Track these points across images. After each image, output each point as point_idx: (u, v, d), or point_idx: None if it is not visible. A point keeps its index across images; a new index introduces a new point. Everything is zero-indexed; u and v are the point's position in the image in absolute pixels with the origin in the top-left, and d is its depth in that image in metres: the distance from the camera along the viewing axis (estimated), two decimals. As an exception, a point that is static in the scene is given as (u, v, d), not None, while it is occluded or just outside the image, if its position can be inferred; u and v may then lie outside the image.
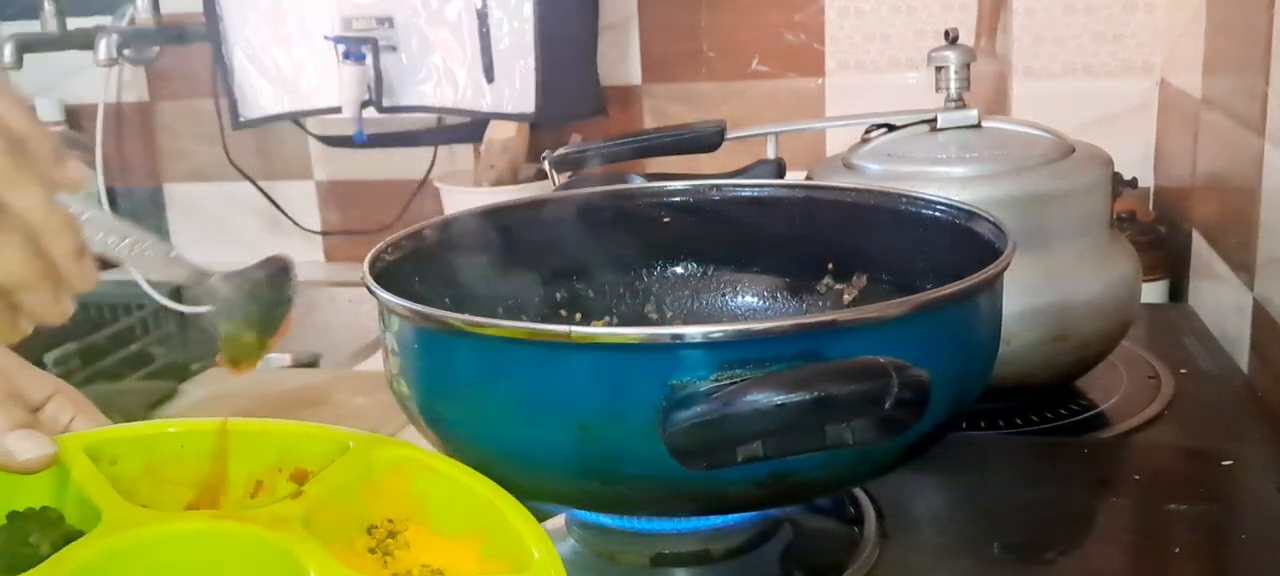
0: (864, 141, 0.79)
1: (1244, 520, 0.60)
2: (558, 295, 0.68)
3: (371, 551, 0.49)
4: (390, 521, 0.50)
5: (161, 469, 0.50)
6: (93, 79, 1.39)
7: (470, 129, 1.28)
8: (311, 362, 1.29)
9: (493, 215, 0.66)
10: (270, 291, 0.54)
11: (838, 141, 1.05)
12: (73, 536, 0.45)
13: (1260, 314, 0.78)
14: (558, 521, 0.58)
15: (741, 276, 0.70)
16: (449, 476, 0.50)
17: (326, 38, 1.22)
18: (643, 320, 0.69)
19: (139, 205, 1.47)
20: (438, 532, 0.50)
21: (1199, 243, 0.96)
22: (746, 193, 0.69)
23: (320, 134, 1.35)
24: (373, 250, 0.57)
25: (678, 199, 0.69)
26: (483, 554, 0.48)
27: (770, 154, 0.83)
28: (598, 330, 0.51)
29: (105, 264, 0.56)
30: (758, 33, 1.23)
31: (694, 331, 0.45)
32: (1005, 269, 0.51)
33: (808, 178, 0.77)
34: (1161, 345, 0.84)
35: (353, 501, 0.49)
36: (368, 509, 0.49)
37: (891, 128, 0.79)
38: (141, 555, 0.44)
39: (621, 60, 1.27)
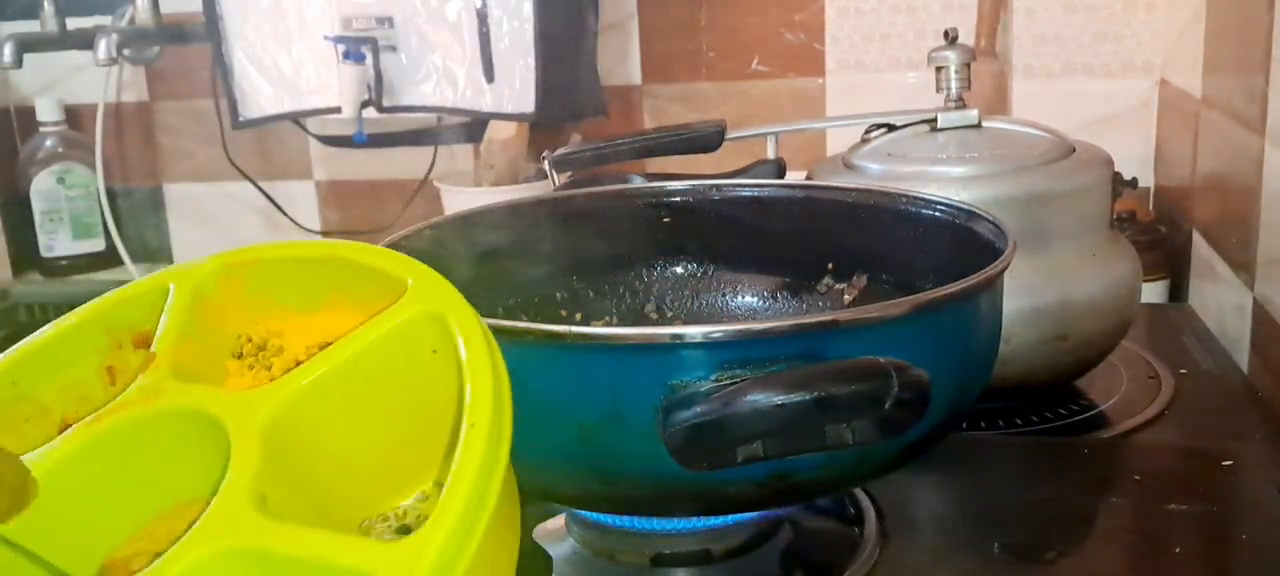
0: (864, 141, 0.79)
1: (1244, 520, 0.60)
2: (558, 295, 0.68)
3: (251, 370, 0.46)
4: (248, 337, 0.46)
5: (7, 410, 0.46)
6: (92, 79, 1.39)
7: (470, 129, 1.28)
8: (311, 362, 1.29)
9: (493, 215, 0.66)
10: None
11: (838, 141, 1.06)
12: None
13: (1260, 314, 0.78)
14: (558, 521, 0.58)
15: (741, 276, 0.70)
16: (279, 258, 0.47)
17: (326, 38, 1.22)
18: (643, 320, 0.69)
19: (139, 205, 1.47)
20: (300, 312, 0.47)
21: (1199, 242, 0.96)
22: (746, 193, 0.69)
23: (320, 134, 1.35)
24: (373, 250, 0.57)
25: (678, 199, 0.69)
26: (355, 306, 0.45)
27: (770, 154, 0.83)
28: (597, 330, 0.52)
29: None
30: (758, 33, 1.23)
31: (694, 331, 0.45)
32: (1005, 269, 0.51)
33: (808, 178, 0.77)
34: (1161, 345, 0.84)
35: (206, 336, 0.46)
36: (222, 336, 0.46)
37: (891, 128, 0.79)
38: (54, 475, 0.42)
39: (621, 60, 1.27)
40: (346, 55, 1.21)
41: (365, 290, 0.46)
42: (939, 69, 0.79)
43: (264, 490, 0.39)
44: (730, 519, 0.54)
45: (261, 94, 1.29)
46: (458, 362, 0.41)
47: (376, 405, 0.44)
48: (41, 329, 0.48)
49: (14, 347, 0.47)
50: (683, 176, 0.75)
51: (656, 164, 0.99)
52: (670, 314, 0.69)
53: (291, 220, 1.40)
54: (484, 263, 0.64)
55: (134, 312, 0.48)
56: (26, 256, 1.44)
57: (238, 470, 0.39)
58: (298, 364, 0.44)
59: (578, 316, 0.68)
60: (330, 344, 0.44)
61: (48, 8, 1.36)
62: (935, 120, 0.78)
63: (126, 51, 1.37)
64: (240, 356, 0.47)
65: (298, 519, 0.38)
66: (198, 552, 0.37)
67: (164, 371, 0.44)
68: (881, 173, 0.74)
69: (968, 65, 0.79)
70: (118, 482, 0.43)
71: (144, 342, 0.47)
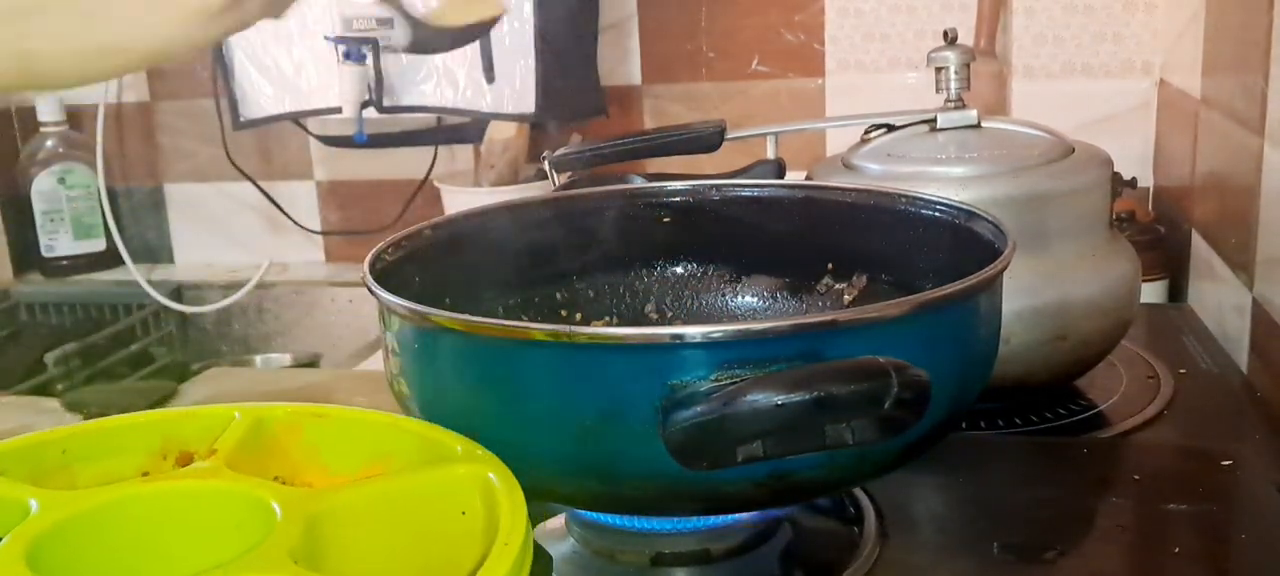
0: (864, 141, 0.79)
1: (1244, 520, 0.60)
2: (558, 295, 0.68)
3: None
4: (281, 478, 0.49)
5: (49, 476, 0.49)
6: (93, 79, 1.39)
7: (470, 129, 1.28)
8: (311, 363, 1.29)
9: (493, 215, 0.66)
10: None
11: (838, 141, 1.06)
12: None
13: (1260, 314, 0.78)
14: (558, 521, 0.58)
15: (741, 276, 0.70)
16: (340, 417, 0.51)
17: (326, 38, 1.22)
18: (643, 320, 0.69)
19: (139, 205, 1.47)
20: (337, 474, 0.51)
21: (1198, 242, 0.96)
22: (746, 193, 0.69)
23: (320, 134, 1.35)
24: (373, 250, 0.57)
25: (678, 199, 0.69)
26: (393, 472, 0.49)
27: (770, 154, 0.83)
28: (597, 330, 0.52)
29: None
30: (758, 33, 1.23)
31: (694, 331, 0.45)
32: (1005, 269, 0.51)
33: (808, 178, 0.77)
34: (1161, 345, 0.84)
35: (256, 464, 0.49)
36: (263, 471, 0.49)
37: (891, 128, 0.79)
38: (103, 518, 0.45)
39: (621, 60, 1.27)
40: (347, 55, 1.21)
41: (408, 455, 0.49)
42: (939, 69, 0.79)
43: (300, 558, 0.41)
44: (730, 518, 0.54)
45: (262, 94, 1.29)
46: (485, 527, 0.44)
47: (404, 542, 0.46)
48: (105, 419, 0.52)
49: (74, 425, 0.52)
50: (683, 176, 0.75)
51: (656, 164, 0.99)
52: (670, 314, 0.70)
53: (292, 220, 1.41)
54: (484, 263, 0.64)
55: (190, 429, 0.51)
56: (27, 256, 1.44)
57: (281, 535, 0.42)
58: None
59: (578, 316, 0.68)
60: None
61: (48, 8, 1.36)
62: (935, 120, 0.78)
63: (127, 52, 1.37)
64: None
65: None
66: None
67: (223, 463, 0.47)
68: (881, 173, 0.74)
69: (967, 65, 0.79)
70: (164, 537, 0.46)
71: (186, 461, 0.50)
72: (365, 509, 0.45)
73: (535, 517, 0.59)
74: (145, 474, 0.50)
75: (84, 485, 0.49)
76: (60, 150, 1.42)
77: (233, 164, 1.37)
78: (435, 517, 0.46)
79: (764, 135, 0.84)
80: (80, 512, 0.44)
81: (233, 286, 1.35)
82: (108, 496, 0.45)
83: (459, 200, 1.23)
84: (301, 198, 1.42)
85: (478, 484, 0.46)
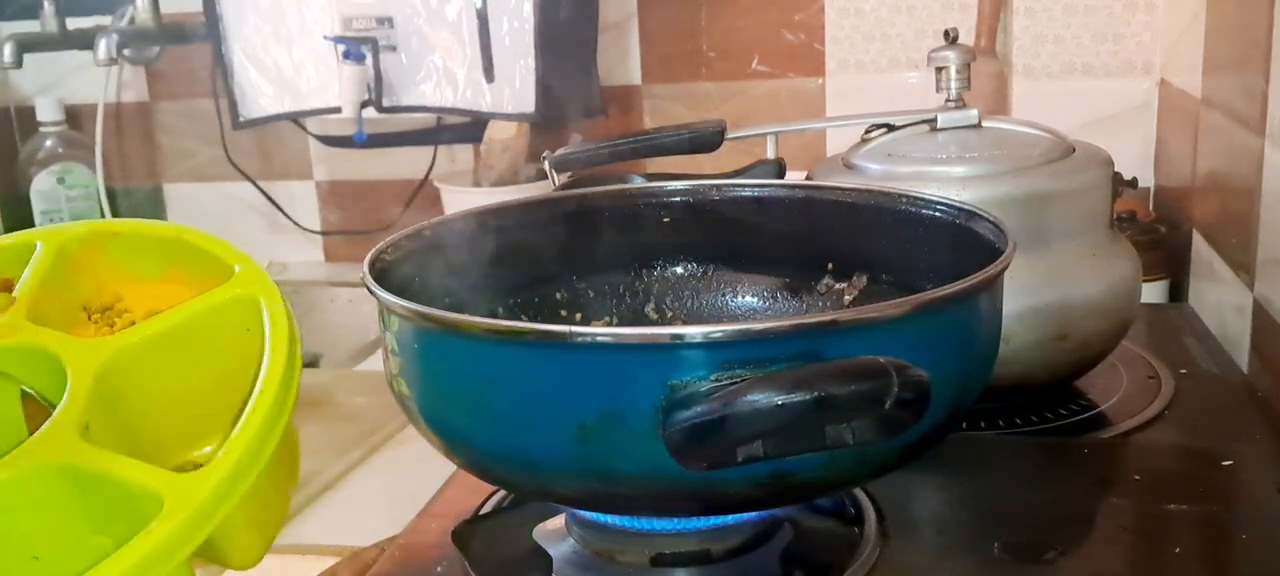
0: (864, 141, 0.79)
1: (1244, 520, 0.60)
2: (558, 295, 0.68)
3: (96, 326, 0.54)
4: (98, 297, 0.55)
5: None
6: (92, 79, 1.39)
7: (470, 129, 1.28)
8: (312, 363, 1.29)
9: (493, 215, 0.66)
10: None
11: (838, 141, 1.06)
12: None
13: (1260, 314, 0.78)
14: (558, 521, 0.58)
15: (742, 276, 0.70)
16: (134, 233, 0.56)
17: (326, 38, 1.22)
18: (643, 320, 0.69)
19: (139, 205, 1.47)
20: (143, 281, 0.56)
21: (1199, 242, 0.96)
22: (747, 192, 0.69)
23: (320, 134, 1.35)
24: (373, 250, 0.57)
25: (678, 199, 0.69)
26: (190, 282, 0.54)
27: (770, 154, 0.83)
28: (598, 330, 0.51)
29: None
30: (758, 33, 1.23)
31: (694, 331, 0.45)
32: (1006, 269, 0.51)
33: (808, 178, 0.77)
34: (1161, 345, 0.84)
35: (62, 290, 0.54)
36: (76, 292, 0.54)
37: (891, 128, 0.79)
38: None
39: (621, 60, 1.27)
40: (346, 55, 1.21)
41: (201, 270, 0.55)
42: (939, 69, 0.79)
43: (90, 421, 0.46)
44: (730, 519, 0.54)
45: (261, 94, 1.29)
46: (262, 341, 0.51)
47: (195, 367, 0.52)
48: None
49: None
50: (683, 176, 0.75)
51: (656, 164, 0.99)
52: (670, 314, 0.69)
53: (291, 220, 1.41)
54: (484, 262, 0.64)
55: (2, 261, 0.56)
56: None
57: (71, 402, 0.47)
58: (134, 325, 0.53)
59: (578, 316, 0.68)
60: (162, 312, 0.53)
61: (48, 8, 1.36)
62: (935, 120, 0.77)
63: (126, 51, 1.37)
64: (89, 315, 0.56)
65: (114, 450, 0.46)
66: (21, 466, 0.44)
67: (21, 314, 0.51)
68: (881, 173, 0.74)
69: (968, 65, 0.79)
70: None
71: (6, 287, 0.54)
72: (154, 347, 0.51)
73: (535, 518, 0.59)
74: None
75: None
76: (59, 150, 1.42)
77: (232, 164, 1.37)
78: (221, 340, 0.52)
79: (764, 135, 0.84)
80: None
81: (232, 286, 1.35)
82: None
83: (459, 200, 1.23)
84: (301, 197, 1.42)
85: (253, 303, 0.53)
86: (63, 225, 0.56)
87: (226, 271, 0.53)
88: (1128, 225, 0.99)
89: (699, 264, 0.70)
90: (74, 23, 1.37)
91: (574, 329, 0.45)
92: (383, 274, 0.55)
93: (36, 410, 0.51)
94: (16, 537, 0.44)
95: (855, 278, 0.66)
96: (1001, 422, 0.72)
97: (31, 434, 0.46)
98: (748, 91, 1.25)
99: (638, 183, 0.75)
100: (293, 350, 0.51)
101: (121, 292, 0.57)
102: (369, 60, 1.21)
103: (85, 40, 1.31)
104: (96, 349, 0.50)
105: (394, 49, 1.22)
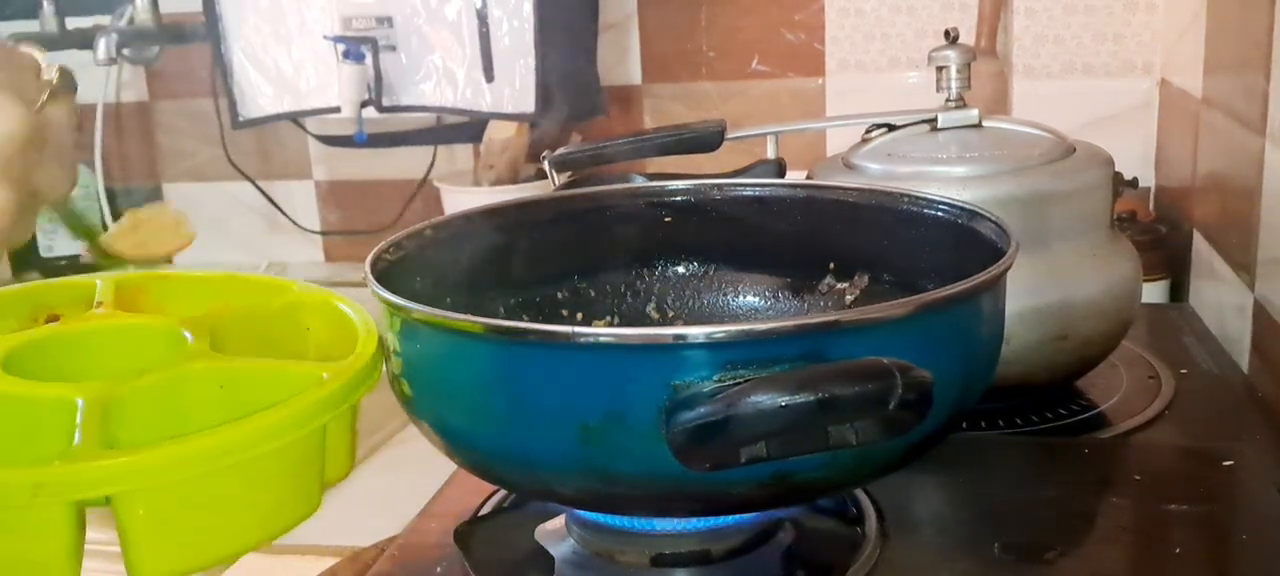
0: (864, 141, 0.79)
1: (1244, 520, 0.60)
2: (559, 295, 0.68)
3: None
4: None
5: None
6: (92, 78, 1.39)
7: (470, 129, 1.28)
8: (311, 362, 1.29)
9: (493, 215, 0.66)
10: None
11: (838, 141, 1.05)
12: None
13: (1261, 314, 0.78)
14: (558, 521, 0.58)
15: (743, 276, 0.69)
16: (182, 278, 0.64)
17: (326, 38, 1.22)
18: (644, 320, 0.69)
19: (139, 205, 1.47)
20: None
21: (1199, 242, 0.96)
22: (748, 192, 0.69)
23: (320, 134, 1.35)
24: (374, 250, 0.57)
25: (679, 198, 0.69)
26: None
27: (770, 154, 0.83)
28: (600, 330, 0.51)
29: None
30: (758, 33, 1.23)
31: (697, 332, 0.45)
32: (1009, 268, 0.51)
33: (808, 178, 0.77)
34: (1162, 345, 0.84)
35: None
36: None
37: (891, 128, 0.79)
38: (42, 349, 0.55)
39: (621, 60, 1.27)
40: (346, 55, 1.21)
41: (250, 299, 0.61)
42: (939, 69, 0.79)
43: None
44: (731, 519, 0.54)
45: (261, 94, 1.29)
46: (331, 335, 0.58)
47: (267, 351, 0.57)
48: None
49: None
50: (683, 176, 0.75)
51: (656, 164, 0.99)
52: (672, 314, 0.69)
53: (291, 220, 1.41)
54: (484, 262, 0.64)
55: (58, 296, 0.61)
56: (26, 256, 1.44)
57: (197, 339, 0.53)
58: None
59: (579, 316, 0.68)
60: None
61: (47, 8, 1.36)
62: (935, 120, 0.77)
63: (126, 51, 1.37)
64: None
65: None
66: (177, 369, 0.51)
67: (114, 309, 0.58)
68: (881, 173, 0.74)
69: (968, 65, 0.79)
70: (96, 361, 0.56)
71: (53, 320, 0.59)
72: (237, 324, 0.56)
73: (536, 518, 0.59)
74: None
75: None
76: (59, 150, 1.41)
77: (232, 164, 1.37)
78: (285, 333, 0.58)
79: (764, 135, 0.84)
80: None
81: (232, 286, 1.35)
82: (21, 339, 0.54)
83: (459, 200, 1.23)
84: (301, 197, 1.42)
85: (315, 305, 0.59)
86: (115, 272, 0.62)
87: (285, 290, 0.60)
88: (1128, 225, 1.00)
89: (700, 263, 0.70)
90: (73, 22, 1.37)
91: (576, 329, 0.45)
92: (384, 274, 0.55)
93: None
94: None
95: (857, 277, 0.66)
96: (1002, 422, 0.72)
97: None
98: (748, 91, 1.25)
99: (638, 182, 0.75)
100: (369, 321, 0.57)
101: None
102: (369, 60, 1.21)
103: (85, 40, 1.31)
104: (201, 320, 0.55)
105: (394, 49, 1.22)
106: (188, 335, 0.54)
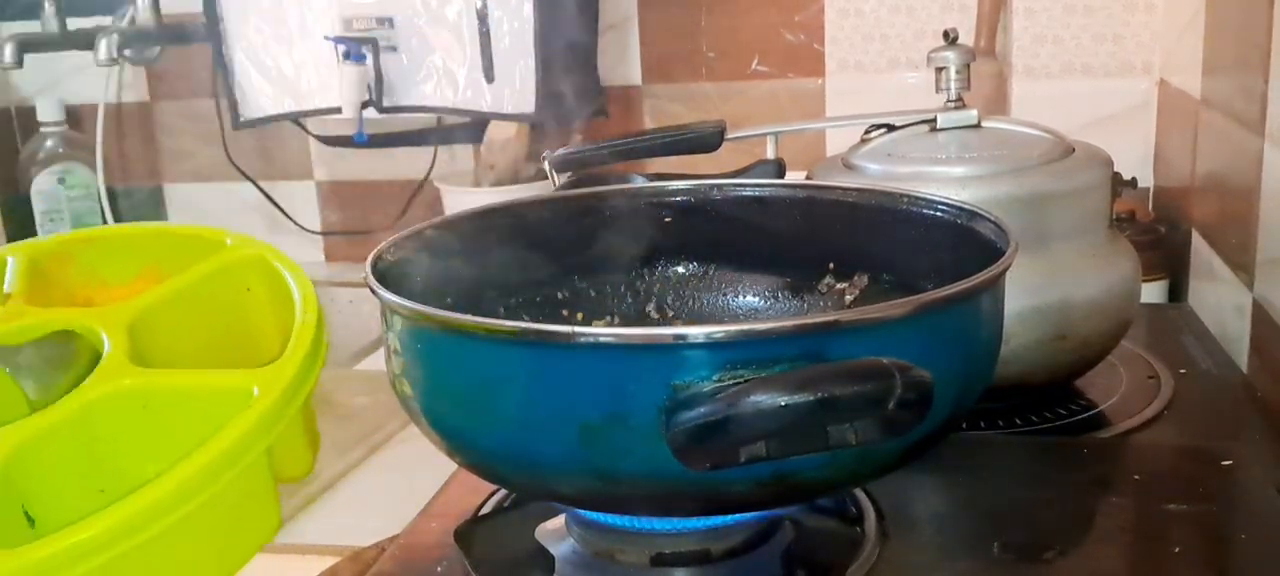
0: (864, 141, 0.79)
1: (1244, 520, 0.60)
2: (559, 295, 0.68)
3: None
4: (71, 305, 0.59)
5: None
6: (93, 79, 1.39)
7: (470, 129, 1.28)
8: (311, 362, 1.29)
9: (493, 215, 0.66)
10: None
11: (838, 141, 1.06)
12: None
13: (1260, 314, 0.78)
14: (558, 521, 0.59)
15: (743, 276, 0.70)
16: (107, 237, 0.62)
17: (326, 38, 1.22)
18: (644, 320, 0.69)
19: (139, 205, 1.47)
20: (114, 284, 0.60)
21: (1199, 242, 0.96)
22: (748, 192, 0.69)
23: (320, 134, 1.35)
24: (374, 250, 0.57)
25: (679, 199, 0.69)
26: (174, 273, 0.60)
27: (770, 154, 0.83)
28: (601, 330, 0.52)
29: None
30: (758, 33, 1.23)
31: (697, 332, 0.45)
32: (1008, 268, 0.51)
33: (808, 178, 0.77)
34: (1161, 345, 0.85)
35: (34, 301, 0.57)
36: (48, 302, 0.57)
37: (891, 128, 0.79)
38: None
39: (621, 60, 1.27)
40: (347, 55, 1.21)
41: (186, 257, 0.58)
42: (939, 69, 0.79)
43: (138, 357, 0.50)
44: (731, 518, 0.54)
45: (262, 94, 1.29)
46: (269, 298, 0.57)
47: (204, 327, 0.56)
48: None
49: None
50: (683, 176, 0.75)
51: (656, 164, 0.99)
52: (672, 314, 0.70)
53: (292, 220, 1.41)
54: (484, 262, 0.64)
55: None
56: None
57: (114, 347, 0.50)
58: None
59: (579, 316, 0.68)
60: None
61: (48, 8, 1.36)
62: (935, 120, 0.78)
63: (127, 52, 1.37)
64: None
65: None
66: (91, 394, 0.47)
67: (21, 302, 0.54)
68: (881, 173, 0.74)
69: (967, 65, 0.79)
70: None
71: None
72: (164, 308, 0.54)
73: (536, 518, 0.59)
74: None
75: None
76: (60, 150, 1.41)
77: (233, 164, 1.37)
78: (225, 297, 0.56)
79: (764, 135, 0.84)
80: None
81: (232, 286, 1.35)
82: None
83: (459, 200, 1.23)
84: (301, 198, 1.42)
85: (253, 263, 0.58)
86: (32, 240, 0.59)
87: (216, 246, 0.57)
88: (1127, 225, 1.00)
89: (700, 263, 0.70)
90: (74, 23, 1.37)
91: (577, 329, 0.45)
92: (384, 274, 0.55)
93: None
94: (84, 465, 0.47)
95: (856, 277, 0.66)
96: (1001, 422, 0.72)
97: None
98: (748, 92, 1.25)
99: (638, 182, 0.75)
100: (309, 289, 0.56)
101: (92, 298, 0.58)
102: (369, 60, 1.21)
103: (86, 40, 1.31)
104: (115, 313, 0.52)
105: (394, 49, 1.22)
106: (106, 340, 0.50)
